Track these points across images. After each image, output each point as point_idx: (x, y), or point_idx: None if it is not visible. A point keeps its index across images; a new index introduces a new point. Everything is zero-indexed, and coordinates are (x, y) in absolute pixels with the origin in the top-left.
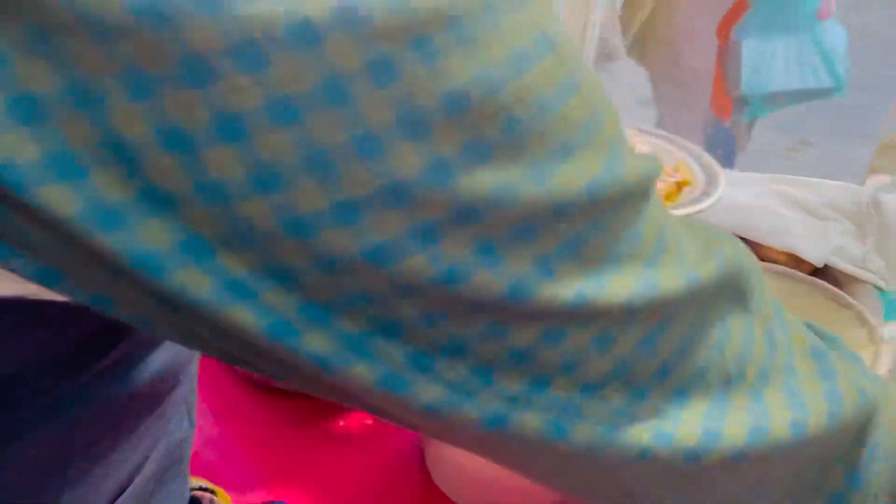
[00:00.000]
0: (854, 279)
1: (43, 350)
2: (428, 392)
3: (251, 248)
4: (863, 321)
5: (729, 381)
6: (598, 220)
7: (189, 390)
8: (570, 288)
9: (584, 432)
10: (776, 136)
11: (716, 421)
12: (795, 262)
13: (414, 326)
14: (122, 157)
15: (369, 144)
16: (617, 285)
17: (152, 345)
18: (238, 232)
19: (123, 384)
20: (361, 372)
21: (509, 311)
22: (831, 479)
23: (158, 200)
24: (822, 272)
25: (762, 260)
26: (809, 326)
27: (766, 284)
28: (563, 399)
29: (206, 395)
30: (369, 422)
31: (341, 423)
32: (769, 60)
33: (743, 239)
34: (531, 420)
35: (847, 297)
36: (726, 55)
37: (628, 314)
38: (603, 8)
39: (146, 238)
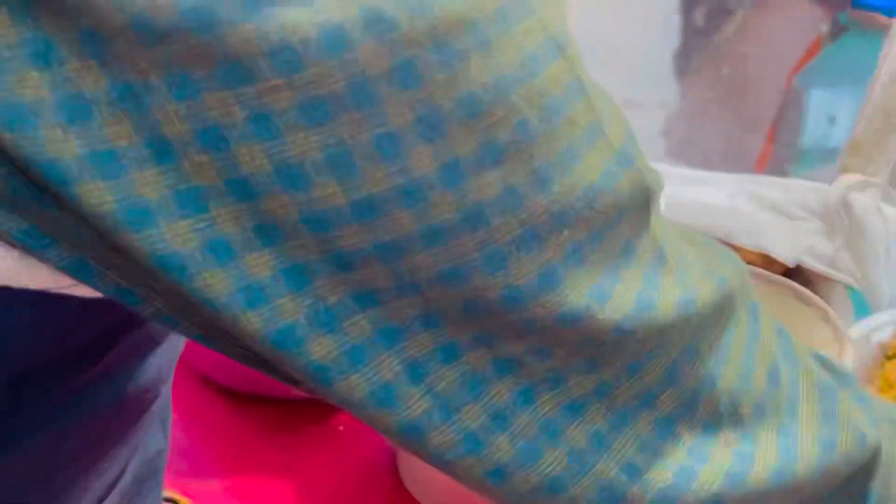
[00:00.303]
0: (825, 278)
1: (51, 350)
2: (415, 407)
3: (271, 248)
4: (827, 320)
5: (719, 416)
6: (598, 228)
7: (165, 404)
8: (571, 299)
9: (556, 462)
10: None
11: (695, 459)
12: (768, 262)
13: (412, 329)
14: (160, 154)
15: (389, 144)
16: (615, 301)
17: (142, 354)
18: (261, 229)
19: (112, 393)
20: (355, 384)
21: (507, 317)
22: None
23: (190, 198)
24: (795, 272)
25: None
26: (821, 359)
27: (770, 314)
28: (547, 418)
29: (174, 403)
30: (341, 428)
31: (312, 430)
32: (833, 115)
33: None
34: (506, 442)
35: (813, 295)
36: (786, 107)
37: (621, 331)
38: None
39: (173, 238)
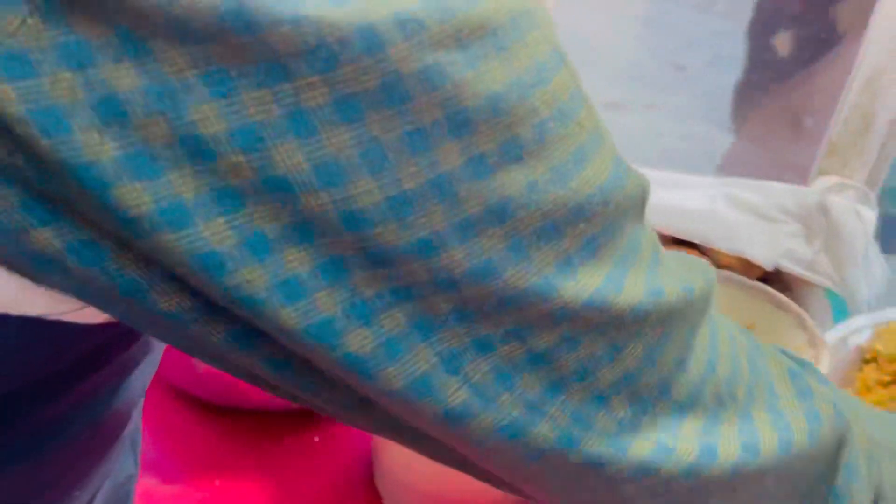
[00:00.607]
0: (804, 281)
1: (41, 369)
2: (454, 397)
3: (309, 244)
4: (803, 325)
5: (722, 401)
6: (610, 223)
7: (136, 429)
8: (588, 288)
9: (593, 444)
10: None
11: (711, 437)
12: (746, 266)
13: (447, 323)
14: (196, 154)
15: (420, 140)
16: (629, 290)
17: (123, 376)
18: (298, 226)
19: (91, 416)
20: (393, 375)
21: (533, 309)
22: (816, 497)
23: (227, 197)
24: (774, 275)
25: (714, 265)
26: (783, 352)
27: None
28: (576, 408)
29: (147, 416)
30: (316, 439)
31: (287, 441)
32: None
33: (693, 244)
34: (546, 430)
35: (788, 301)
36: None
37: (637, 318)
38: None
39: (212, 237)
